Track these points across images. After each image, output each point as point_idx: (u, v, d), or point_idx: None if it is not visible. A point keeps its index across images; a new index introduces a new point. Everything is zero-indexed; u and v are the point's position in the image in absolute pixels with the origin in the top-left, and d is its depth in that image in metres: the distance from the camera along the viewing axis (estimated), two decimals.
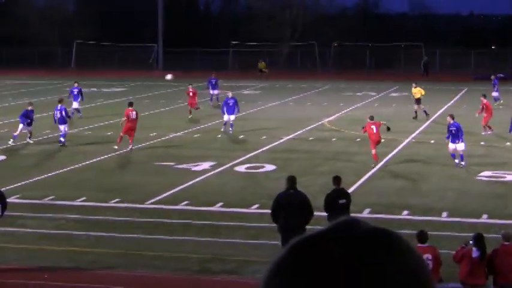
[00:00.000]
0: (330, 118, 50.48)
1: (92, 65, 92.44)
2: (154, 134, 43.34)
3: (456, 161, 33.51)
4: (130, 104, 41.13)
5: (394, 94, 66.75)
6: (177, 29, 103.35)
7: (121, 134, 38.86)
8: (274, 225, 23.90)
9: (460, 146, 33.32)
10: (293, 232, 17.93)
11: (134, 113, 40.03)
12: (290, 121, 48.66)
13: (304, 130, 45.17)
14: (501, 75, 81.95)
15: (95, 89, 69.52)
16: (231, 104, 44.40)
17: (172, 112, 54.82)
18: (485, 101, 43.70)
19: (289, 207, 19.84)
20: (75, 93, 50.75)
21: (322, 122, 48.75)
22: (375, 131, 33.76)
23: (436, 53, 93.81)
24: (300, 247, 1.67)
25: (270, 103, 58.13)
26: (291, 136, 43.03)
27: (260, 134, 43.61)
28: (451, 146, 33.68)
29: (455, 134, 33.36)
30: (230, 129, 44.07)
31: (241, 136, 42.89)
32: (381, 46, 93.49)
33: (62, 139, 39.95)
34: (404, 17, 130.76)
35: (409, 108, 53.88)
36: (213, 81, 58.99)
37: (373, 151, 33.86)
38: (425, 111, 48.93)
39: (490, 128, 42.31)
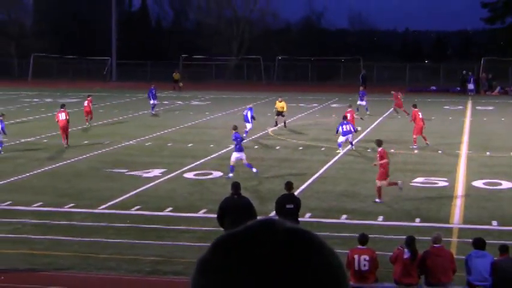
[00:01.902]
0: (274, 127, 50.60)
1: (48, 77, 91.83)
2: (107, 142, 43.21)
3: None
4: (62, 106, 43.89)
5: (334, 105, 67.06)
6: (129, 42, 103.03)
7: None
8: (221, 229, 23.97)
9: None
10: None
11: (63, 114, 42.47)
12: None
13: (250, 139, 45.20)
14: (433, 88, 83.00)
15: (50, 99, 69.12)
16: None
17: (125, 122, 54.63)
18: (414, 110, 43.45)
19: (235, 211, 19.87)
20: None
21: (267, 131, 48.89)
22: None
23: (373, 66, 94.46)
24: (221, 246, 1.73)
25: (217, 113, 58.19)
26: None
27: (208, 142, 43.64)
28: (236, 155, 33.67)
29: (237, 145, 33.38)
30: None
31: (190, 144, 42.86)
32: (323, 60, 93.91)
33: None
34: (345, 32, 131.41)
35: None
36: (153, 92, 59.39)
37: None
38: (276, 122, 49.76)
39: (424, 139, 41.94)
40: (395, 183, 28.34)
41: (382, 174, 28.12)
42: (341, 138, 39.54)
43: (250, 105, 44.23)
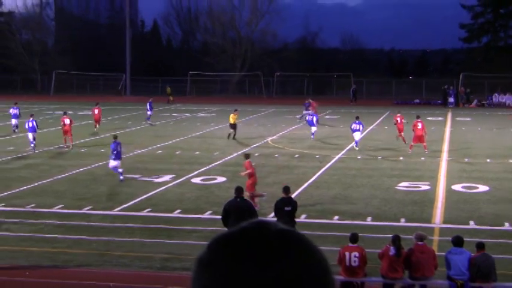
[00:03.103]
0: (273, 137, 50.62)
1: (68, 91, 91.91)
2: (122, 150, 43.20)
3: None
4: (65, 113, 48.00)
5: (327, 116, 67.00)
6: (142, 60, 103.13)
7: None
8: (225, 228, 23.91)
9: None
10: None
11: (68, 119, 45.74)
12: (239, 139, 48.74)
13: (251, 147, 45.24)
14: (417, 101, 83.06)
15: (71, 112, 69.20)
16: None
17: (137, 131, 54.68)
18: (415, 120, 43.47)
19: (237, 213, 19.97)
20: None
21: (267, 140, 48.88)
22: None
23: (363, 82, 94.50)
24: (217, 245, 1.75)
25: (222, 124, 58.19)
26: (239, 152, 43.06)
27: (213, 150, 43.67)
28: (112, 163, 34.10)
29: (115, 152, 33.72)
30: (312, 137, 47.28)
31: (197, 152, 42.88)
32: (317, 75, 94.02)
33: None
34: (337, 51, 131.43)
35: (340, 128, 54.18)
36: (151, 104, 60.87)
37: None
38: (231, 135, 48.98)
39: (403, 139, 43.19)
40: (261, 195, 28.22)
41: (251, 186, 28.03)
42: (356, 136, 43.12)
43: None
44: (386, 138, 49.16)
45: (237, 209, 20.42)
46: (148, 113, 60.81)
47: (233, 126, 48.93)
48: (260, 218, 20.19)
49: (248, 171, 28.55)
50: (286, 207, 21.29)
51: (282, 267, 1.66)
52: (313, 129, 49.36)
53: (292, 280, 1.66)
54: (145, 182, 33.07)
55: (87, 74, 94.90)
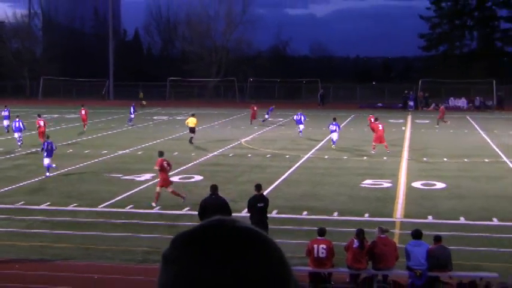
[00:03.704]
0: (247, 138, 50.66)
1: (55, 96, 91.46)
2: (105, 151, 43.11)
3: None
4: (39, 116, 48.91)
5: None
6: (124, 66, 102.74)
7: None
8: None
9: None
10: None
11: (42, 121, 47.34)
12: (215, 141, 48.76)
13: (226, 148, 45.27)
14: (380, 104, 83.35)
15: (57, 115, 68.92)
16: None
17: (120, 134, 54.52)
18: (375, 122, 43.69)
19: (213, 208, 19.99)
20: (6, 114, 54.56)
21: (240, 141, 48.92)
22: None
23: (330, 87, 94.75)
24: (179, 241, 1.74)
25: (199, 127, 58.12)
26: (215, 153, 43.11)
27: (190, 151, 43.65)
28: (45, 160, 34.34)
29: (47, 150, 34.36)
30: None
31: (175, 153, 42.77)
32: (288, 81, 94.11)
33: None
34: (306, 58, 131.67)
35: (309, 130, 54.29)
36: (134, 108, 62.37)
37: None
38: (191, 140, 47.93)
39: (386, 147, 42.23)
40: (180, 195, 28.22)
41: (161, 181, 28.07)
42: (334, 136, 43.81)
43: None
44: (352, 139, 49.33)
45: (213, 205, 20.46)
46: (131, 116, 61.20)
47: (192, 130, 48.37)
48: (225, 215, 20.28)
49: (156, 167, 28.49)
50: (259, 203, 21.31)
51: (241, 264, 1.66)
52: (301, 127, 51.23)
53: (251, 277, 1.66)
54: (128, 181, 32.97)
55: (73, 80, 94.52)
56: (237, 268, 1.66)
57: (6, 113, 54.85)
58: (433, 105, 79.41)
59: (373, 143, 42.81)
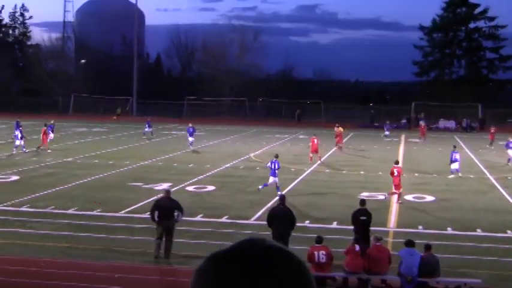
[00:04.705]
0: (256, 153, 50.63)
1: (85, 111, 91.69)
2: (127, 162, 43.13)
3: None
4: (45, 125, 50.02)
5: (301, 136, 67.08)
6: (147, 86, 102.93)
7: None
8: (215, 230, 23.94)
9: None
10: (282, 238, 19.49)
11: (43, 129, 48.52)
12: (227, 154, 48.74)
13: (237, 161, 45.25)
14: (376, 124, 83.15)
15: (85, 129, 69.04)
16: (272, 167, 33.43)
17: (142, 146, 54.55)
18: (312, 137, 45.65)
19: (280, 217, 20.50)
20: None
21: (250, 155, 48.88)
22: (396, 174, 31.79)
23: (331, 108, 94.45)
24: (213, 258, 1.70)
25: (213, 141, 58.18)
26: (227, 165, 43.07)
27: (205, 163, 43.61)
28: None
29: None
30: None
31: (191, 165, 42.79)
32: (293, 102, 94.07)
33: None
34: (310, 81, 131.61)
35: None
36: (149, 123, 62.51)
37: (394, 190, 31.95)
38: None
39: (319, 158, 44.95)
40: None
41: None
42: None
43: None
44: (349, 156, 49.25)
45: (280, 214, 20.72)
46: (146, 129, 61.71)
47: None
48: (290, 224, 20.34)
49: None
50: (362, 217, 21.54)
51: (270, 282, 1.63)
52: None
53: None
54: (147, 189, 32.90)
55: (101, 97, 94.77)
56: (266, 285, 1.63)
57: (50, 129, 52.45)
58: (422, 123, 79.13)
59: (310, 154, 44.89)
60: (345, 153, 50.57)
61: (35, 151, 47.54)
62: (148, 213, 21.93)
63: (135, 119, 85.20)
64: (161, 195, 22.45)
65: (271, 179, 32.74)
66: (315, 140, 45.13)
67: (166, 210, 20.76)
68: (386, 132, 66.27)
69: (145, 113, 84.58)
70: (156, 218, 20.74)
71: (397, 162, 32.78)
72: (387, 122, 70.57)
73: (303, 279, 1.69)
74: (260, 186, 33.09)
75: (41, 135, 48.86)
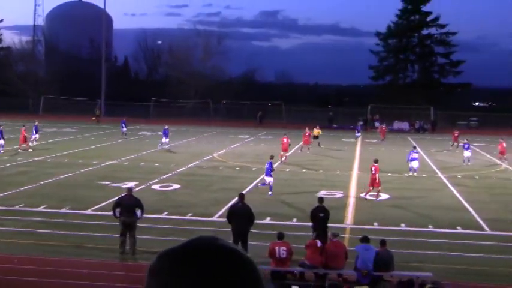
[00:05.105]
0: (219, 152, 50.58)
1: (54, 112, 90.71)
2: (96, 161, 42.82)
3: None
4: (24, 125, 48.75)
5: (262, 137, 67.22)
6: (115, 88, 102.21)
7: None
8: (179, 227, 23.88)
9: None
10: (242, 234, 20.24)
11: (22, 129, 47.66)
12: (191, 154, 48.61)
13: (201, 160, 45.16)
14: (335, 125, 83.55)
15: (55, 129, 68.31)
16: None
17: (109, 146, 54.14)
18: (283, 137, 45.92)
19: (239, 214, 20.66)
20: None
21: (213, 155, 48.81)
22: (373, 171, 32.19)
23: (292, 110, 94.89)
24: (164, 256, 1.70)
25: (178, 142, 57.95)
26: (191, 165, 42.97)
27: (170, 162, 43.46)
28: None
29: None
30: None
31: (157, 164, 42.61)
32: (255, 104, 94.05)
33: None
34: (272, 84, 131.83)
35: (273, 147, 54.36)
36: (124, 122, 61.61)
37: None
38: None
39: (285, 157, 45.41)
40: None
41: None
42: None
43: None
44: (309, 155, 49.44)
45: (239, 211, 20.82)
46: (123, 129, 61.13)
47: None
48: (249, 221, 20.40)
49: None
50: (320, 214, 21.75)
51: (217, 278, 1.63)
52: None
53: None
54: (115, 188, 32.68)
55: (70, 99, 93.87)
56: (213, 282, 1.62)
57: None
58: (380, 127, 79.81)
59: (281, 153, 45.23)
60: (306, 153, 50.71)
61: (15, 151, 47.00)
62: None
63: (104, 120, 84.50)
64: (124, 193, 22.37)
65: (266, 179, 32.88)
66: (285, 140, 45.49)
67: (128, 208, 20.83)
68: (357, 134, 66.37)
69: (114, 114, 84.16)
70: (118, 215, 20.78)
71: (376, 161, 33.01)
72: (359, 124, 70.76)
73: (253, 278, 1.69)
74: (260, 184, 33.35)
75: (21, 135, 48.05)
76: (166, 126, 53.71)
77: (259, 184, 33.47)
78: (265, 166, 33.49)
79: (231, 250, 1.71)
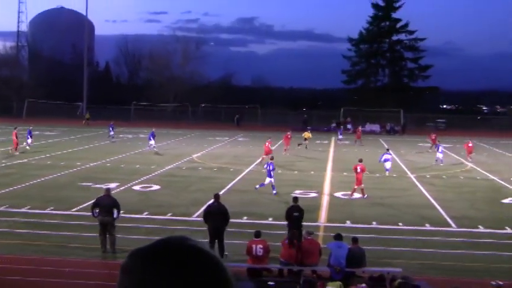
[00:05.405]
0: (198, 154, 50.49)
1: (37, 116, 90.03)
2: (78, 163, 42.57)
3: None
4: (15, 128, 48.57)
5: (240, 139, 67.22)
6: (96, 92, 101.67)
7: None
8: (160, 226, 23.82)
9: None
10: (218, 233, 20.33)
11: (15, 133, 46.93)
12: (171, 156, 48.50)
13: (180, 162, 45.07)
14: (309, 128, 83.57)
15: (38, 132, 67.80)
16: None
17: (91, 149, 53.85)
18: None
19: (215, 213, 20.57)
20: None
21: (192, 157, 48.73)
22: (359, 171, 32.49)
23: (268, 113, 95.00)
24: (136, 255, 1.71)
25: (158, 144, 57.72)
26: (171, 166, 42.87)
27: (150, 164, 43.32)
28: None
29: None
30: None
31: (138, 166, 42.47)
32: (233, 107, 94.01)
33: None
34: (249, 88, 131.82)
35: (249, 148, 54.44)
36: (112, 126, 61.40)
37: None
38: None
39: (263, 159, 44.63)
40: None
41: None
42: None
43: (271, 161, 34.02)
44: (284, 156, 49.52)
45: (215, 211, 20.75)
46: (111, 133, 60.96)
47: None
48: (224, 220, 20.39)
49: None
50: (295, 213, 21.61)
51: (184, 277, 1.64)
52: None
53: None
54: (97, 189, 32.47)
55: (53, 102, 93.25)
56: (183, 280, 1.63)
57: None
58: (352, 129, 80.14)
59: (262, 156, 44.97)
60: (286, 155, 50.75)
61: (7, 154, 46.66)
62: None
63: (93, 124, 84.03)
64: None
65: (267, 180, 32.88)
66: (266, 143, 45.39)
67: (105, 207, 20.87)
68: (340, 136, 66.39)
69: (95, 118, 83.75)
70: (96, 214, 20.81)
71: (360, 160, 33.23)
72: (341, 127, 70.79)
73: (221, 277, 1.70)
74: (257, 186, 33.30)
75: (13, 137, 47.66)
76: (153, 129, 53.67)
77: (257, 186, 33.45)
78: (266, 167, 33.58)
79: (200, 250, 1.72)
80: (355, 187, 32.29)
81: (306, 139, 56.55)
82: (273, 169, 33.05)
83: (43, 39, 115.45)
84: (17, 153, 46.99)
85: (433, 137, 58.61)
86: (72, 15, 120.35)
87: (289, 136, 53.64)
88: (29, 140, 50.65)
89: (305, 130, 61.55)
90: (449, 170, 44.34)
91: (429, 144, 59.02)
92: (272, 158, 34.63)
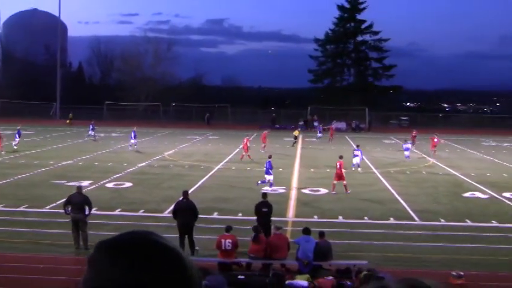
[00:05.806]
0: (169, 152, 50.30)
1: (11, 116, 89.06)
2: (51, 161, 42.16)
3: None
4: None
5: (210, 137, 67.10)
6: (69, 92, 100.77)
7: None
8: (132, 223, 23.70)
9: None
10: (187, 229, 20.34)
11: None
12: (143, 154, 48.25)
13: (152, 160, 44.86)
14: (277, 126, 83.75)
15: (10, 132, 66.97)
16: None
17: (65, 147, 53.34)
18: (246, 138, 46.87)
19: (184, 209, 20.62)
20: None
21: (164, 155, 48.54)
22: (338, 166, 32.70)
23: (238, 112, 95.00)
24: (101, 247, 1.69)
25: (130, 142, 57.36)
26: (143, 164, 42.63)
27: (123, 162, 43.06)
28: None
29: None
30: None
31: (110, 164, 42.18)
32: (203, 106, 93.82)
33: None
34: (219, 87, 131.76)
35: (220, 146, 54.35)
36: (93, 126, 61.44)
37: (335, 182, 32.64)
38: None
39: (242, 157, 45.51)
40: None
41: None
42: None
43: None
44: (253, 154, 49.51)
45: (183, 207, 20.74)
46: (90, 132, 60.83)
47: None
48: (193, 215, 20.33)
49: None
50: (264, 208, 21.75)
51: (145, 270, 1.63)
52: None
53: (152, 281, 1.63)
54: (70, 186, 32.13)
55: (27, 103, 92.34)
56: (140, 272, 1.62)
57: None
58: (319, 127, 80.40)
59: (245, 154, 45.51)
60: (260, 152, 50.76)
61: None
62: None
63: (58, 122, 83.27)
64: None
65: (266, 177, 32.88)
66: (244, 140, 46.26)
67: (77, 205, 20.77)
68: (319, 134, 66.30)
69: (67, 117, 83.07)
70: (68, 212, 20.71)
71: (341, 157, 33.38)
72: (321, 125, 70.71)
73: (180, 273, 1.68)
74: (259, 182, 33.31)
75: None
76: (135, 128, 53.47)
77: (259, 181, 33.46)
78: (265, 166, 33.64)
79: (165, 245, 1.71)
80: (334, 182, 32.45)
81: (296, 137, 57.34)
82: (271, 167, 33.13)
83: (16, 40, 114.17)
84: (3, 152, 46.23)
85: (414, 134, 59.07)
86: (45, 17, 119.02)
87: (266, 134, 53.78)
88: (17, 140, 49.83)
89: (296, 128, 63.05)
90: (412, 165, 44.73)
91: (394, 142, 59.54)
92: (270, 157, 34.59)
